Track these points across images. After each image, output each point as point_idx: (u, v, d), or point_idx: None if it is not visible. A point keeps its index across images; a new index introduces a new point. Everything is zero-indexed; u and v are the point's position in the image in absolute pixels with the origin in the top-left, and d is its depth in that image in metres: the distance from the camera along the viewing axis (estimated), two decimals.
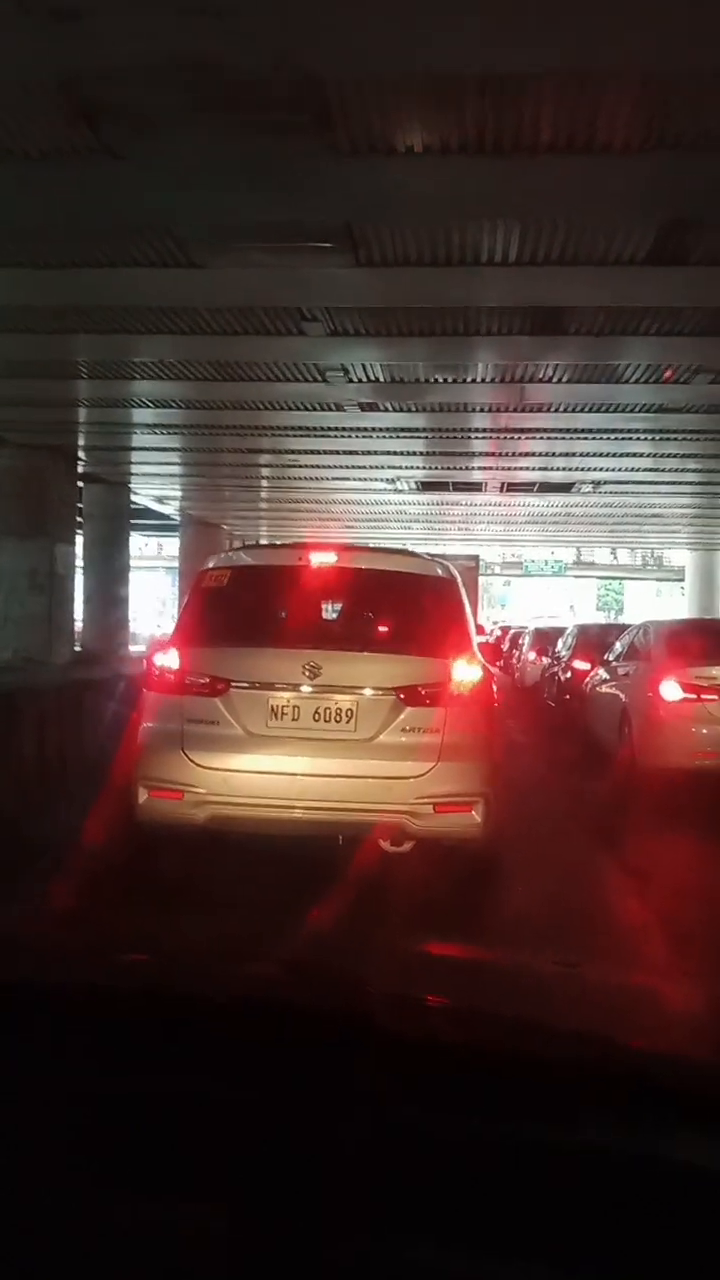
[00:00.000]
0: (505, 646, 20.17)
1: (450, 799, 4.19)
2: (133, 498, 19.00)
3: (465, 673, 4.36)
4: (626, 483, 16.23)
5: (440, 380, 10.44)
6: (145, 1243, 0.78)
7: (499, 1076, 0.91)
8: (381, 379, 10.32)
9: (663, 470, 15.13)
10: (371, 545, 6.53)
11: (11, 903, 3.24)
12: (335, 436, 13.17)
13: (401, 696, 4.25)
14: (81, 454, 15.14)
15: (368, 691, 4.28)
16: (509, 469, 15.74)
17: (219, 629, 4.61)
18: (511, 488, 17.32)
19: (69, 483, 15.09)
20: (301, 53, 4.49)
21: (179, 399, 11.71)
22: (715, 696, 6.82)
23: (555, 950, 2.53)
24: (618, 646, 8.93)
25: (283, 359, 9.75)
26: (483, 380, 10.38)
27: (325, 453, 14.27)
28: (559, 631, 15.24)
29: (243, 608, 4.76)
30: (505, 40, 4.42)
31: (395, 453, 14.30)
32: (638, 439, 12.85)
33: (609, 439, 12.87)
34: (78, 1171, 0.83)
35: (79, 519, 16.70)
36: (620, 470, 15.14)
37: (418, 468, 15.81)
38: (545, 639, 15.88)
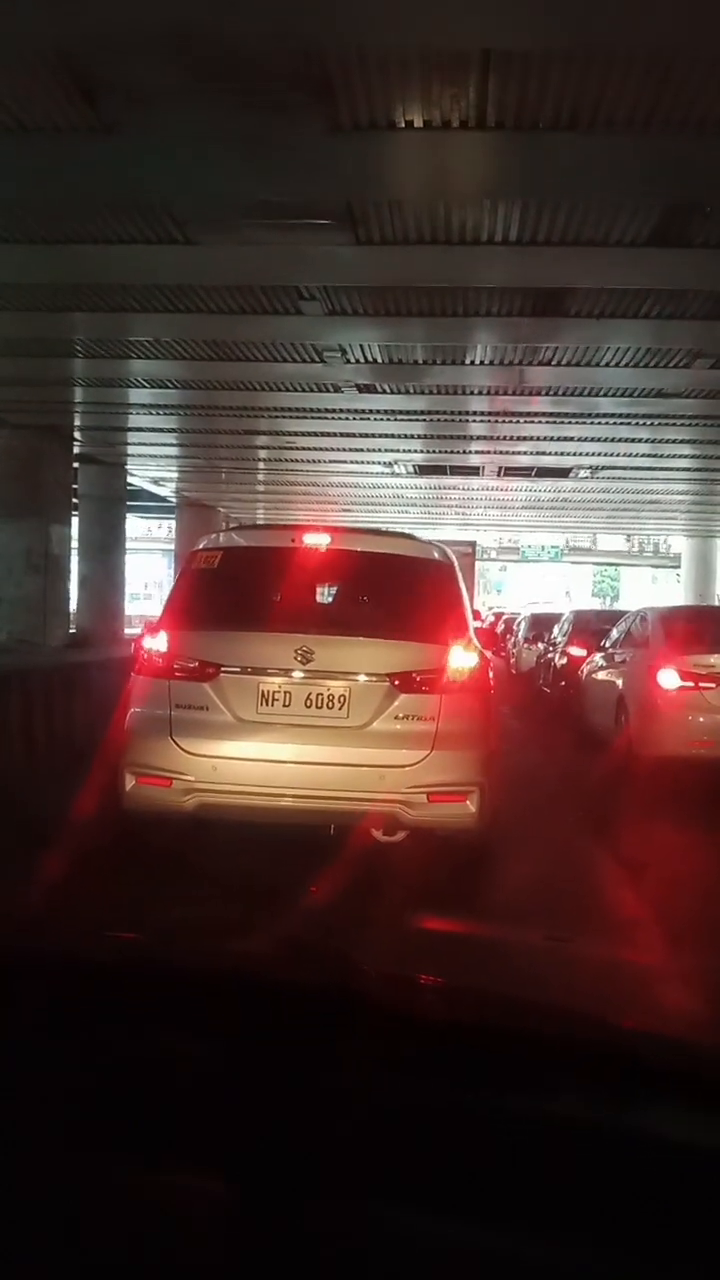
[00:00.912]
0: (499, 630, 20.16)
1: (444, 788, 4.11)
2: (129, 479, 18.93)
3: (461, 659, 4.28)
4: (624, 468, 16.20)
5: (439, 362, 10.37)
6: (139, 1211, 0.78)
7: (490, 1052, 0.91)
8: (379, 360, 10.25)
9: (661, 456, 15.11)
10: (367, 528, 6.45)
11: (2, 881, 3.23)
12: (333, 418, 13.11)
13: (396, 683, 4.16)
14: (77, 434, 15.08)
15: (361, 677, 4.18)
16: (507, 453, 15.70)
17: (209, 612, 4.51)
18: (509, 472, 17.28)
19: (64, 463, 15.03)
20: (302, 24, 4.42)
21: (175, 379, 11.64)
22: (713, 685, 6.80)
23: (547, 928, 2.52)
24: (614, 633, 8.91)
25: (280, 339, 9.68)
26: (481, 362, 10.32)
27: (322, 435, 14.21)
28: (554, 617, 15.20)
29: (234, 590, 4.64)
30: (510, 16, 4.36)
31: (393, 435, 14.25)
32: (636, 424, 12.81)
33: (607, 423, 12.83)
34: (70, 1143, 0.83)
35: (74, 500, 16.64)
36: (618, 455, 15.11)
37: (415, 451, 15.76)
38: (541, 625, 15.85)
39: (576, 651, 10.94)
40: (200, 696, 4.18)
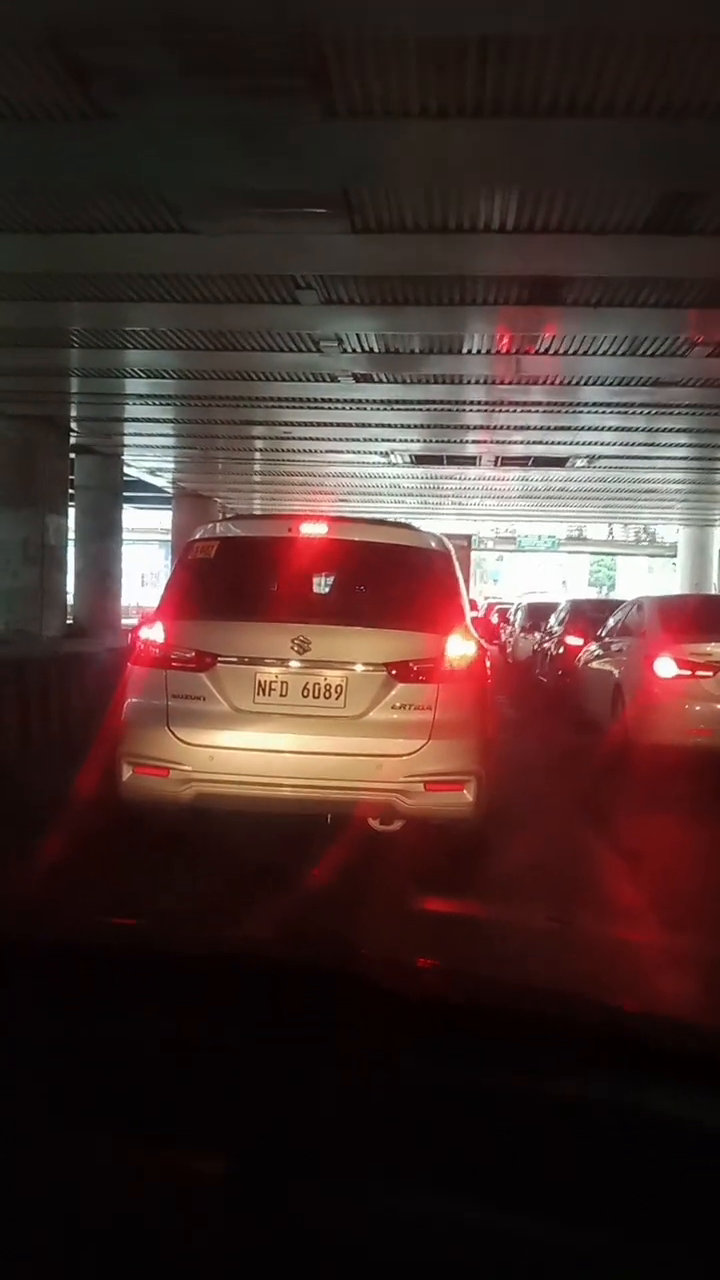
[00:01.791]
0: (494, 620, 20.18)
1: (441, 777, 4.12)
2: (125, 470, 18.88)
3: (459, 648, 4.29)
4: (621, 457, 16.17)
5: (435, 351, 10.34)
6: (137, 1194, 0.78)
7: (488, 1034, 0.92)
8: (376, 349, 10.21)
9: (657, 445, 15.08)
10: (364, 517, 6.48)
11: (1, 869, 3.24)
12: (329, 408, 13.06)
13: (393, 672, 4.18)
14: (73, 425, 15.02)
15: (358, 667, 4.20)
16: (503, 443, 15.67)
17: (206, 602, 4.52)
18: (506, 462, 17.25)
19: (61, 454, 14.99)
20: (297, 9, 4.39)
21: (171, 369, 11.60)
22: (709, 673, 6.81)
23: (546, 910, 2.53)
24: (611, 622, 8.91)
25: (276, 328, 9.64)
26: (478, 351, 10.29)
27: (319, 425, 14.17)
28: (551, 607, 15.21)
29: (231, 580, 4.65)
30: (507, 1, 4.32)
31: (389, 425, 14.21)
32: (633, 413, 12.78)
33: (604, 413, 12.80)
34: (68, 1126, 0.84)
35: (71, 491, 16.60)
36: (615, 445, 15.08)
37: (412, 441, 15.72)
38: (537, 614, 15.85)
39: (573, 641, 10.99)
40: (197, 686, 4.19)
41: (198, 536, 5.02)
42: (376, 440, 15.41)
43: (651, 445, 15.10)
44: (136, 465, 19.51)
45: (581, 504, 24.61)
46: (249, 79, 4.91)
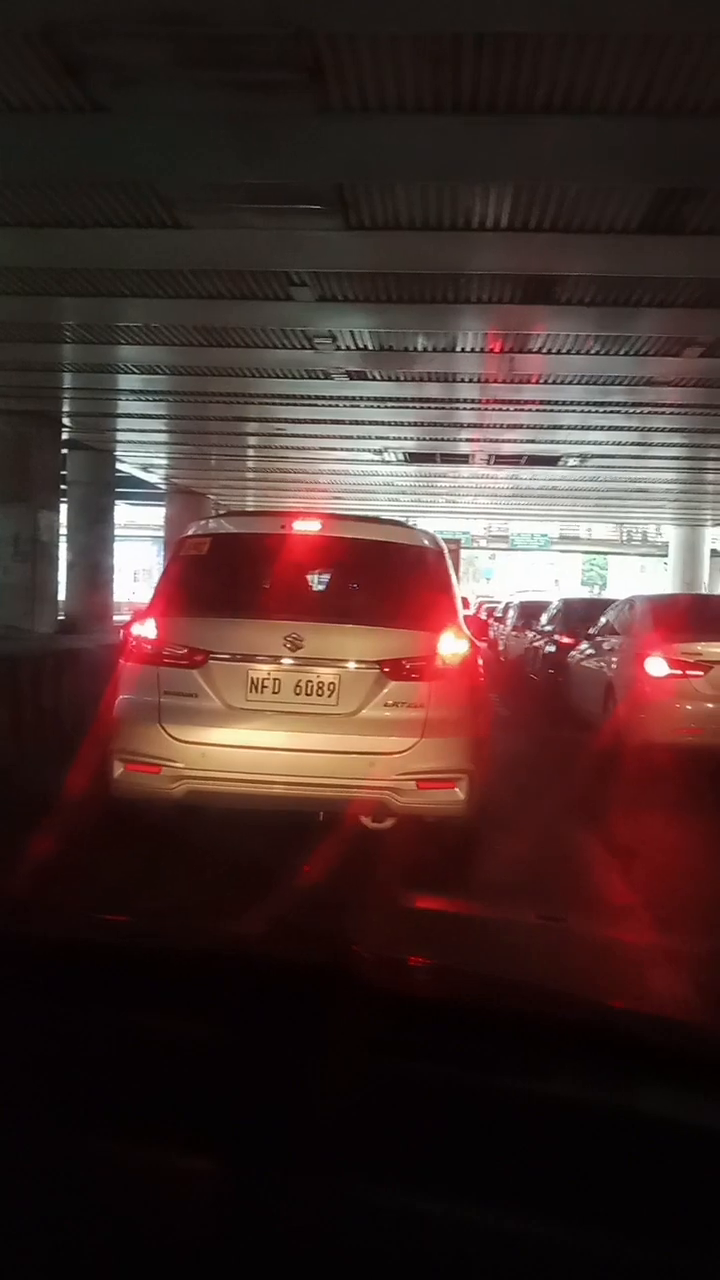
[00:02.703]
0: (484, 616, 20.24)
1: (433, 775, 4.12)
2: (118, 465, 18.83)
3: (451, 646, 4.28)
4: (614, 457, 16.20)
5: (429, 349, 10.33)
6: (129, 1190, 0.78)
7: (481, 1032, 0.92)
8: (370, 347, 10.21)
9: (650, 445, 15.11)
10: (358, 515, 6.48)
11: None
12: (323, 405, 13.05)
13: (385, 670, 4.17)
14: (66, 420, 14.98)
15: (351, 664, 4.19)
16: (496, 441, 15.68)
17: (198, 598, 4.50)
18: (499, 460, 17.26)
19: (53, 449, 14.95)
20: (292, 4, 4.37)
21: (165, 365, 11.57)
22: (700, 672, 6.82)
23: (538, 908, 2.53)
24: (603, 621, 8.92)
25: (270, 325, 9.62)
26: (472, 350, 10.29)
27: (313, 422, 14.16)
28: (542, 605, 15.29)
29: (223, 577, 4.64)
30: None
31: (383, 423, 14.20)
32: (626, 412, 12.81)
33: (596, 412, 12.81)
34: (60, 1123, 0.83)
35: (63, 486, 16.55)
36: (607, 444, 15.10)
37: (405, 439, 15.72)
38: (529, 612, 15.92)
39: (564, 639, 11.06)
40: (189, 683, 4.17)
41: (190, 533, 5.00)
42: (370, 438, 15.40)
43: (644, 445, 15.13)
44: (129, 461, 19.47)
45: (574, 503, 24.66)
46: (244, 74, 4.90)
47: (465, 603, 5.19)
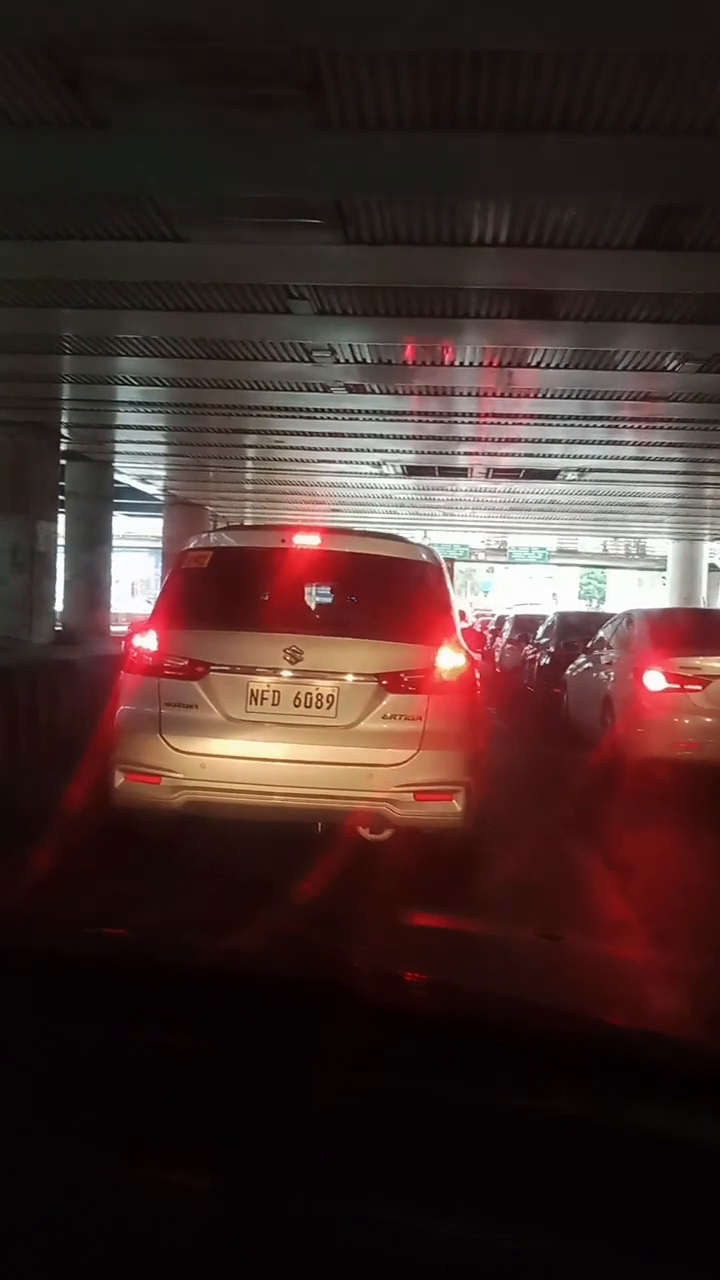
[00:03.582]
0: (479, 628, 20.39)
1: (431, 787, 4.15)
2: (116, 477, 18.85)
3: (449, 660, 4.31)
4: (612, 470, 16.24)
5: (427, 363, 10.37)
6: (125, 1205, 0.78)
7: (480, 1049, 0.91)
8: (368, 360, 10.24)
9: (648, 459, 15.15)
10: (357, 529, 6.55)
11: None
12: (321, 418, 13.09)
13: (384, 683, 4.20)
14: (64, 431, 15.00)
15: (349, 677, 4.22)
16: (495, 454, 15.71)
17: (199, 611, 4.53)
18: (497, 474, 17.30)
19: (52, 460, 14.97)
20: (292, 21, 4.40)
21: (163, 377, 11.59)
22: (699, 687, 6.82)
23: (536, 925, 2.53)
24: (601, 634, 8.93)
25: (269, 338, 9.66)
26: (470, 364, 10.33)
27: (311, 434, 14.20)
28: (538, 619, 15.52)
29: (224, 590, 4.68)
30: (501, 15, 4.35)
31: (381, 436, 14.24)
32: (623, 427, 12.84)
33: (594, 426, 12.85)
34: (57, 1137, 0.83)
35: (61, 498, 16.56)
36: (606, 458, 15.15)
37: (404, 451, 15.75)
38: (525, 625, 16.15)
39: (559, 651, 11.27)
40: (190, 695, 4.20)
41: (191, 546, 5.03)
42: (368, 451, 15.43)
43: (642, 459, 15.16)
44: (127, 472, 19.50)
45: (572, 517, 24.71)
46: (244, 89, 4.92)
47: (463, 615, 5.23)
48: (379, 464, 16.64)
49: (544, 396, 11.48)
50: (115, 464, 18.13)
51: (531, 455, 15.37)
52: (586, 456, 15.12)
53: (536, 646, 13.75)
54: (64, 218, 6.88)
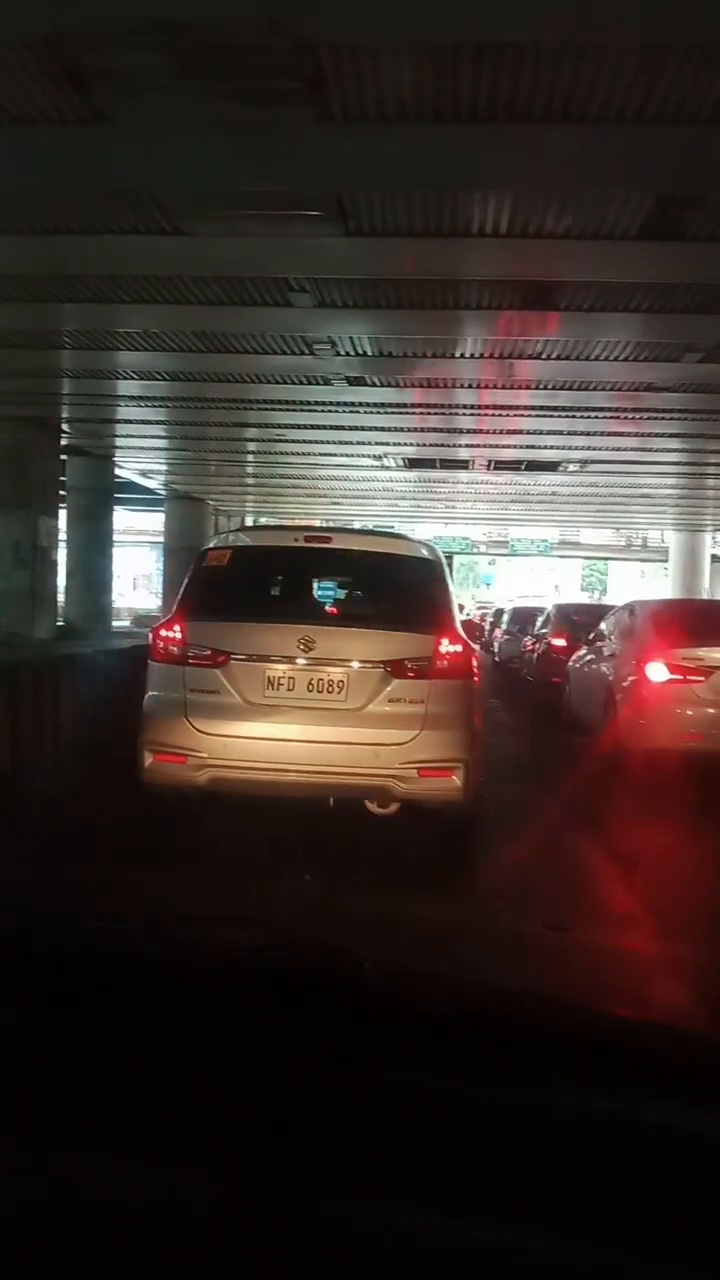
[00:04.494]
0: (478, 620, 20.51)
1: (433, 764, 4.49)
2: (117, 471, 18.84)
3: (449, 648, 4.63)
4: (614, 462, 16.20)
5: (429, 355, 10.35)
6: (126, 1204, 0.77)
7: (486, 1043, 0.91)
8: (369, 352, 10.22)
9: (650, 450, 15.11)
10: (363, 528, 6.97)
11: None
12: (322, 411, 13.07)
13: (389, 669, 4.54)
14: (65, 426, 14.98)
15: (358, 664, 4.56)
16: (496, 446, 15.69)
17: (220, 604, 4.86)
18: (498, 466, 17.28)
19: (53, 455, 14.95)
20: (292, 15, 4.39)
21: (164, 371, 11.58)
22: (701, 678, 6.81)
23: (541, 917, 2.53)
24: (603, 626, 8.92)
25: (270, 331, 9.64)
26: (471, 356, 10.31)
27: (312, 428, 14.18)
28: (536, 611, 15.65)
29: (243, 585, 5.06)
30: (502, 6, 4.34)
31: (382, 429, 14.22)
32: (625, 418, 12.81)
33: (596, 418, 12.83)
34: (57, 1133, 0.83)
35: (62, 492, 16.55)
36: (607, 450, 15.11)
37: (405, 444, 15.73)
38: (524, 617, 16.25)
39: (558, 642, 11.46)
40: (212, 681, 4.56)
41: (213, 545, 5.57)
42: (369, 443, 15.42)
43: (644, 450, 15.13)
44: (128, 467, 19.47)
45: (574, 508, 24.66)
46: (245, 83, 4.92)
47: (461, 607, 5.53)
48: (380, 457, 16.61)
49: (545, 388, 11.46)
50: (116, 459, 18.12)
51: (533, 447, 15.35)
52: (588, 448, 15.09)
53: (535, 638, 13.85)
54: (65, 212, 6.87)
